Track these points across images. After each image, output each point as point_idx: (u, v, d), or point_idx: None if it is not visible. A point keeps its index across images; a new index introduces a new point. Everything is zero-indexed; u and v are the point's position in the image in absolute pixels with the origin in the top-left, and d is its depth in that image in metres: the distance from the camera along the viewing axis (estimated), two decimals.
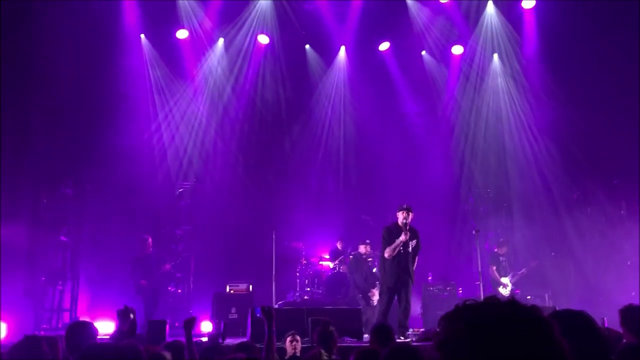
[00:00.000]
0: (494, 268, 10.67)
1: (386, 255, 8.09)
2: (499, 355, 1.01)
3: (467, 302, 1.13)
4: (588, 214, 12.03)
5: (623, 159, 11.39)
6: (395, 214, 8.35)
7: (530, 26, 12.85)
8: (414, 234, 8.19)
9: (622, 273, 11.04)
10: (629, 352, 2.92)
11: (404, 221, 8.07)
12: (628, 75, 11.18)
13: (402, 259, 8.07)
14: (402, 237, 7.99)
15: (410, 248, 8.11)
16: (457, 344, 1.05)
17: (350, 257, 10.92)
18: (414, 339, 8.02)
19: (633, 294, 10.30)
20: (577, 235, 11.71)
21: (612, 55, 11.42)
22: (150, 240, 10.31)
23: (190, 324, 4.92)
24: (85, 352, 2.53)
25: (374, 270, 10.53)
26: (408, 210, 8.14)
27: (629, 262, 11.10)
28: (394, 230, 8.17)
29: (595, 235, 11.78)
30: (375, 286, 10.18)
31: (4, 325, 8.44)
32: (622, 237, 11.38)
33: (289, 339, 6.02)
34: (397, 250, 8.01)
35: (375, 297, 10.10)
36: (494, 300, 1.11)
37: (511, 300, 1.10)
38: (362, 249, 10.72)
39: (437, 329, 1.15)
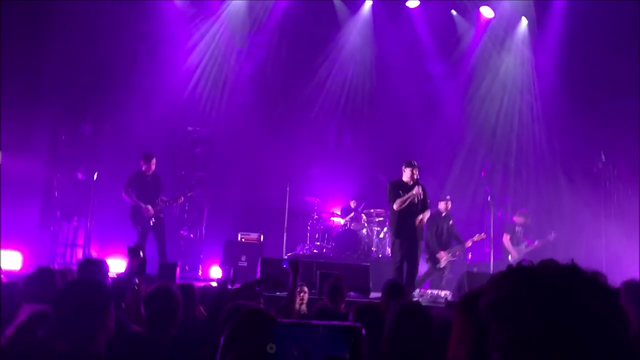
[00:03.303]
0: (508, 237, 10.59)
1: (395, 207, 7.99)
2: (559, 318, 0.97)
3: (522, 264, 1.10)
4: (606, 188, 11.89)
5: None
6: (401, 169, 8.22)
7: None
8: (422, 190, 8.13)
9: (634, 250, 10.96)
10: None
11: (415, 177, 8.02)
12: None
13: (409, 216, 8.00)
14: (415, 190, 7.93)
15: (418, 204, 8.06)
16: (515, 304, 1.01)
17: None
18: (420, 300, 8.10)
19: None
20: (592, 208, 11.59)
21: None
22: (154, 158, 9.45)
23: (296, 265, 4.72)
24: (65, 289, 2.60)
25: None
26: (417, 166, 8.07)
27: None
28: (399, 186, 8.11)
29: (610, 210, 11.66)
30: (447, 248, 9.66)
31: (19, 256, 8.63)
32: (638, 212, 11.27)
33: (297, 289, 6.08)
34: (407, 202, 7.95)
35: (444, 260, 9.59)
36: (553, 262, 1.07)
37: (572, 265, 1.05)
38: (440, 205, 9.87)
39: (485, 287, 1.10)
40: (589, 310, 0.98)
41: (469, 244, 9.95)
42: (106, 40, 10.98)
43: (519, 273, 1.07)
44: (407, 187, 8.05)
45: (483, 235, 9.97)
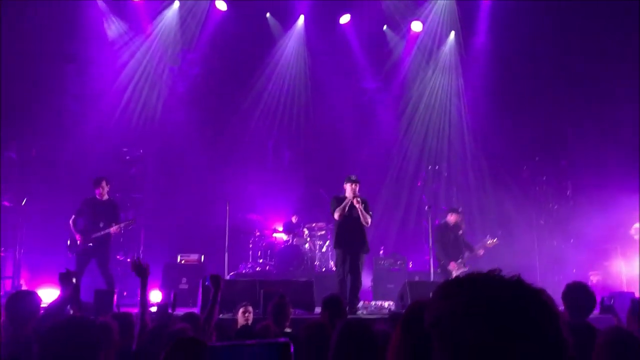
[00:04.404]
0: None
1: (336, 216, 8.19)
2: (501, 335, 0.96)
3: (464, 276, 1.07)
4: (535, 192, 12.41)
5: (571, 140, 11.78)
6: (344, 186, 8.39)
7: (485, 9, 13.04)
8: (362, 202, 8.27)
9: (565, 251, 11.47)
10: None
11: (356, 192, 8.18)
12: (579, 64, 11.60)
13: (352, 229, 8.17)
14: (350, 196, 8.11)
15: (360, 218, 8.18)
16: (456, 322, 1.00)
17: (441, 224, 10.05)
18: (364, 312, 8.16)
19: (574, 271, 10.73)
20: (523, 213, 12.06)
21: (569, 42, 11.77)
22: (104, 182, 8.98)
23: (143, 271, 4.29)
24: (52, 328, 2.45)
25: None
26: (356, 181, 8.23)
27: (571, 240, 11.54)
28: (341, 200, 8.28)
29: (541, 213, 12.17)
30: (457, 259, 9.40)
31: None
32: (566, 216, 11.82)
33: (241, 310, 6.00)
34: (345, 210, 8.10)
35: (455, 273, 9.27)
36: (497, 275, 1.05)
37: (517, 279, 1.04)
38: (449, 217, 9.74)
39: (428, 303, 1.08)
40: (537, 322, 0.98)
41: (481, 252, 9.68)
42: (32, 61, 10.58)
43: (464, 285, 1.05)
44: None
45: (495, 240, 9.81)
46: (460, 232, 9.75)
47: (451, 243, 9.58)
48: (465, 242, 9.77)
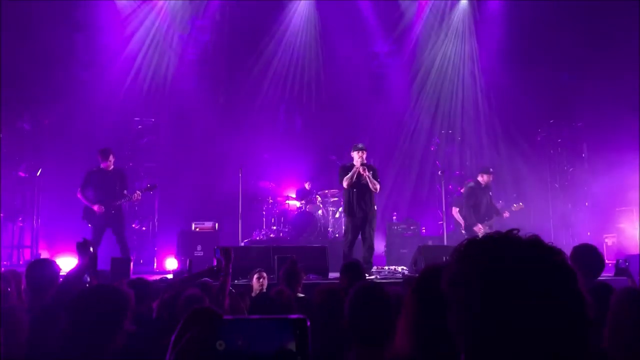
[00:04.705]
0: (457, 210, 10.71)
1: (344, 185, 8.27)
2: (519, 294, 0.96)
3: (483, 236, 1.06)
4: (550, 155, 12.29)
5: (587, 102, 11.57)
6: (351, 154, 8.45)
7: None
8: (369, 169, 8.31)
9: (580, 214, 11.42)
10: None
11: (363, 159, 8.24)
12: (596, 26, 11.30)
13: (361, 196, 8.23)
14: (358, 164, 8.18)
15: (369, 184, 8.20)
16: (474, 281, 0.99)
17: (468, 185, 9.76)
18: (378, 277, 8.22)
19: (589, 233, 10.69)
20: (538, 175, 11.97)
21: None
22: (111, 154, 8.89)
23: (229, 253, 4.45)
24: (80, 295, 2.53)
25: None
26: (363, 149, 8.26)
27: (586, 203, 11.48)
28: (348, 168, 8.35)
29: (556, 176, 12.08)
30: (484, 221, 9.25)
31: None
32: (581, 178, 11.72)
33: (255, 276, 6.06)
34: (353, 179, 8.15)
35: (481, 233, 8.90)
36: (515, 235, 1.04)
37: (536, 238, 1.03)
38: (480, 177, 9.48)
39: (448, 262, 1.07)
40: (556, 281, 0.97)
41: (506, 214, 9.56)
42: (40, 30, 10.52)
43: (482, 244, 1.04)
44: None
45: (521, 204, 9.72)
46: (490, 193, 9.56)
47: (483, 204, 9.38)
48: (494, 205, 9.61)
